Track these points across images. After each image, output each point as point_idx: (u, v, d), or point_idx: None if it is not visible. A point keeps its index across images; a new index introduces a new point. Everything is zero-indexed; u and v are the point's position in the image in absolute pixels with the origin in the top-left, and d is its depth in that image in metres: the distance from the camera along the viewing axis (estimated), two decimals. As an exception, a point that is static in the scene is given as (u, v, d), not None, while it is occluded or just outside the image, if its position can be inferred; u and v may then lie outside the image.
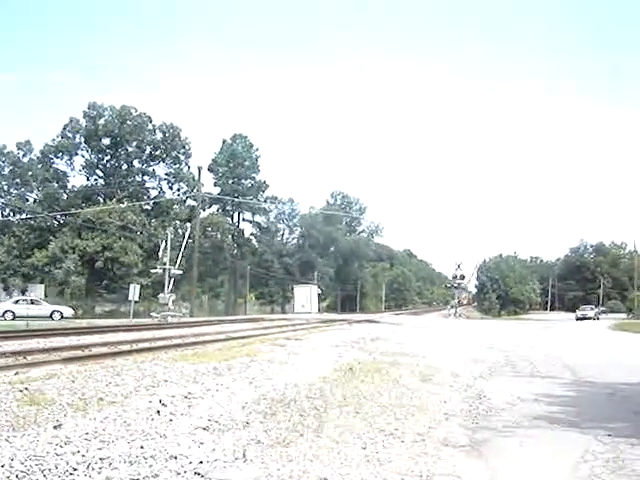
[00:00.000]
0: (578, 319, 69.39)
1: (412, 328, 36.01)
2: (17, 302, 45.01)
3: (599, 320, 67.08)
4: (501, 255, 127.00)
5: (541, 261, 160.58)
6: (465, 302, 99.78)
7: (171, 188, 77.80)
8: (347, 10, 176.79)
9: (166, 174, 76.49)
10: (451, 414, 8.74)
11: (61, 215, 66.83)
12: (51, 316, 43.06)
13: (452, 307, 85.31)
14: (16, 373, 10.53)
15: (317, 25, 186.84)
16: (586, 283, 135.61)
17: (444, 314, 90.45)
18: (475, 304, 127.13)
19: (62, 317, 43.40)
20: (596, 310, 76.76)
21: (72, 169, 72.76)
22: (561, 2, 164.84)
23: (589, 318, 68.96)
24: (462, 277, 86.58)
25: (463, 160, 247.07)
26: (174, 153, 75.84)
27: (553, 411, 9.26)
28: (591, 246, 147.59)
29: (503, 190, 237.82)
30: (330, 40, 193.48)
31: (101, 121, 71.32)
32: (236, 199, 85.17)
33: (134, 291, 43.19)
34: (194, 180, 69.96)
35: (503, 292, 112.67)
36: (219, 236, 79.82)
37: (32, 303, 44.29)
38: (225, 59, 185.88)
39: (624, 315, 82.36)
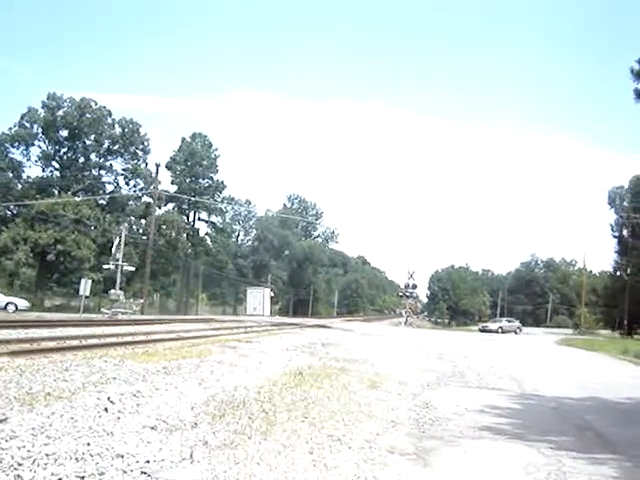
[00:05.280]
0: (480, 331, 69.39)
1: (363, 335, 36.19)
2: None
3: (517, 334, 65.67)
4: (453, 266, 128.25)
5: (492, 274, 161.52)
6: (414, 312, 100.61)
7: (128, 184, 76.51)
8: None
9: (123, 169, 75.15)
10: (398, 422, 8.83)
11: (14, 205, 65.49)
12: (5, 308, 42.44)
13: (403, 316, 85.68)
14: (-39, 365, 10.37)
15: (275, 26, 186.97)
16: (535, 297, 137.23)
17: (395, 322, 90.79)
18: (426, 314, 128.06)
19: (17, 309, 42.79)
20: (513, 324, 74.06)
21: (28, 159, 70.81)
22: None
23: (490, 331, 67.07)
24: (414, 286, 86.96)
25: (418, 172, 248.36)
26: (132, 149, 74.63)
27: (498, 422, 9.41)
28: (542, 261, 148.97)
29: (457, 202, 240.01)
30: (287, 43, 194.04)
31: (60, 112, 69.84)
32: (193, 198, 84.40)
33: (85, 286, 42.71)
34: (151, 177, 69.43)
35: (454, 303, 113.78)
36: (174, 234, 79.03)
37: None
38: (184, 58, 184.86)
39: (571, 331, 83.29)
